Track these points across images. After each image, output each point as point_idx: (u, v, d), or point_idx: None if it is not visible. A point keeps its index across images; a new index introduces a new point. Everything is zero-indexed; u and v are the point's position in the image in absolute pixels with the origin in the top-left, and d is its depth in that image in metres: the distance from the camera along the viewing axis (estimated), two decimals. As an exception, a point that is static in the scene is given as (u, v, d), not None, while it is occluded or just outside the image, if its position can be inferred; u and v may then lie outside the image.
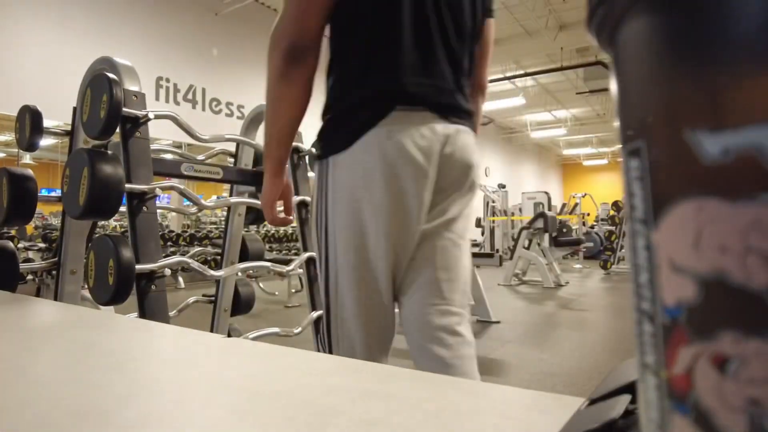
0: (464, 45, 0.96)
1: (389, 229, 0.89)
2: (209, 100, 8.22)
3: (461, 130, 0.95)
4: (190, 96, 7.93)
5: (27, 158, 10.41)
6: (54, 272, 1.74)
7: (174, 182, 1.60)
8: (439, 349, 0.92)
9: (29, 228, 7.17)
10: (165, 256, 1.43)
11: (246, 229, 2.19)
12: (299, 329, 1.69)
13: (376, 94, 0.89)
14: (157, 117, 1.50)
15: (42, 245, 5.77)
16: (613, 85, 0.14)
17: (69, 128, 1.78)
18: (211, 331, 2.02)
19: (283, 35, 0.88)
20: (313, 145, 1.72)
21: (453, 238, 0.95)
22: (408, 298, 0.96)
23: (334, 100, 0.93)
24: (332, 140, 0.92)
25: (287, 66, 0.88)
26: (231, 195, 2.12)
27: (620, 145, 0.14)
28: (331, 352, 0.95)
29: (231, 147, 2.11)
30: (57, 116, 3.72)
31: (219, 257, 2.12)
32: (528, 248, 6.55)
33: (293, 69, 0.89)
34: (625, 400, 0.27)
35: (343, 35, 0.92)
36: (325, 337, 0.97)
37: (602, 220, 11.55)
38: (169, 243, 6.72)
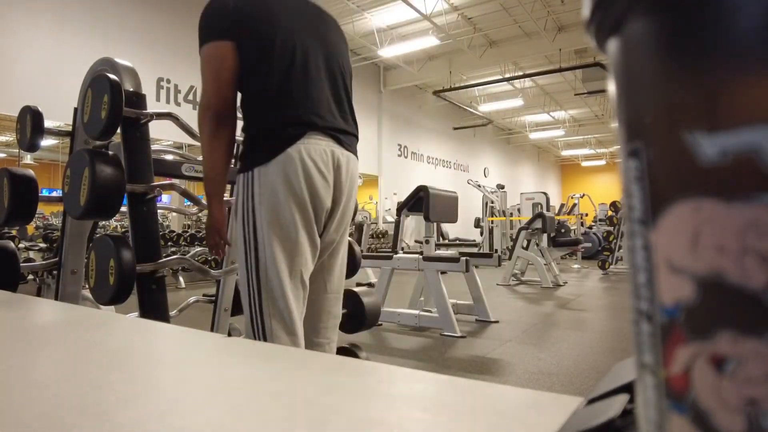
0: None
1: None
2: (209, 100, 8.22)
3: None
4: (190, 97, 7.92)
5: (28, 158, 10.40)
6: (55, 272, 1.74)
7: (175, 182, 1.60)
8: None
9: (30, 228, 7.16)
10: (165, 256, 1.43)
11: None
12: (299, 329, 1.69)
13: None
14: (157, 117, 1.50)
15: (43, 245, 5.76)
16: (612, 87, 0.14)
17: (70, 129, 1.78)
18: (212, 330, 2.02)
19: (208, 107, 1.22)
20: None
21: None
22: None
23: None
24: None
25: (216, 127, 1.23)
26: (231, 195, 2.11)
27: (619, 146, 0.14)
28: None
29: (231, 147, 2.11)
30: (58, 117, 3.72)
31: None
32: (526, 248, 6.55)
33: (222, 129, 1.24)
34: (623, 399, 0.27)
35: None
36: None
37: (600, 220, 11.54)
38: (169, 243, 6.71)
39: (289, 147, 1.20)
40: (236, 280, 2.09)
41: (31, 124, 1.67)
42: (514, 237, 7.45)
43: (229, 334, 1.85)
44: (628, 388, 0.28)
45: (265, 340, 1.18)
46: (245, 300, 1.23)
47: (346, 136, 1.31)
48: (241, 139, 1.32)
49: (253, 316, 1.21)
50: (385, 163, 11.90)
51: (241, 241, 1.23)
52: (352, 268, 1.86)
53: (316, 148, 1.23)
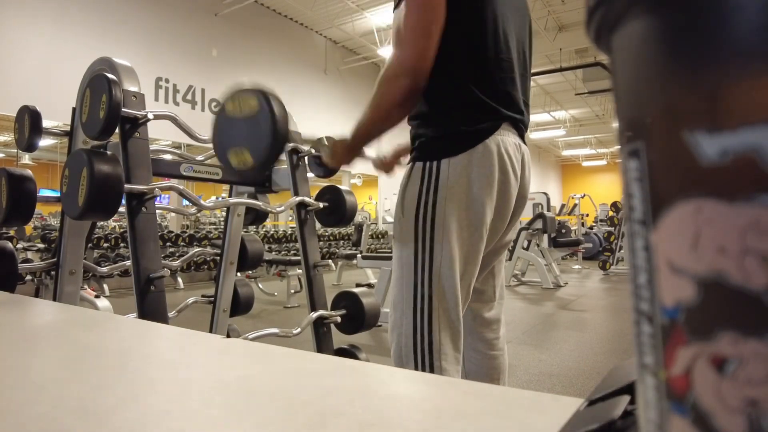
0: None
1: None
2: (208, 100, 8.22)
3: None
4: (189, 96, 7.92)
5: (26, 158, 10.40)
6: (53, 273, 1.74)
7: (173, 183, 1.59)
8: None
9: (28, 228, 7.15)
10: (164, 257, 1.43)
11: (245, 230, 2.19)
12: (298, 330, 1.69)
13: None
14: (156, 117, 1.50)
15: (41, 246, 5.76)
16: (612, 87, 0.14)
17: (68, 129, 1.78)
18: (210, 331, 2.02)
19: (408, 72, 1.01)
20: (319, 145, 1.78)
21: None
22: None
23: None
24: None
25: (405, 100, 1.03)
26: (230, 195, 2.11)
27: (619, 146, 0.14)
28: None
29: (230, 147, 2.10)
30: (56, 117, 3.72)
31: (218, 258, 2.12)
32: (527, 249, 6.55)
33: (409, 103, 1.05)
34: (624, 400, 0.27)
35: None
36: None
37: (601, 221, 11.55)
38: (168, 243, 6.71)
39: (487, 138, 1.04)
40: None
41: (29, 123, 1.67)
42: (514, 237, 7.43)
43: (228, 335, 1.85)
44: (629, 389, 0.28)
45: (431, 355, 1.02)
46: (405, 306, 1.05)
47: (525, 127, 1.15)
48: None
49: (418, 326, 1.03)
50: (384, 164, 11.88)
51: (410, 237, 1.06)
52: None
53: (509, 141, 1.08)
